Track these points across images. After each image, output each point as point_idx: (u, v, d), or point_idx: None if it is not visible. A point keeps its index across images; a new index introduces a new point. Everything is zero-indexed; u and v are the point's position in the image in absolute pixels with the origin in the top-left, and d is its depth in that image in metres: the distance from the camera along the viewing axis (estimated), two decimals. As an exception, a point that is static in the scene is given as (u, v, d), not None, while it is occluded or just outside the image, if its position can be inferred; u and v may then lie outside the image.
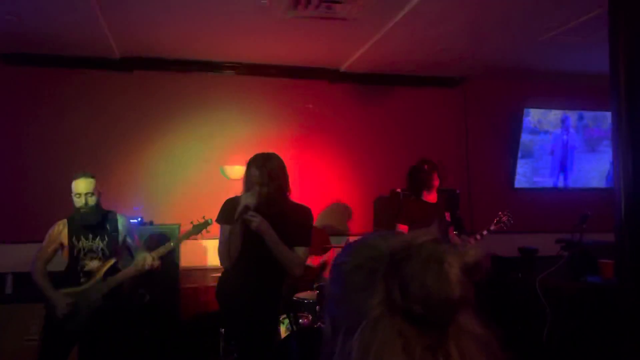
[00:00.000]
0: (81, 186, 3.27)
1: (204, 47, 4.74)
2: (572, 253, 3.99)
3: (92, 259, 3.32)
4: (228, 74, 5.25)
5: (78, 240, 3.31)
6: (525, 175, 5.76)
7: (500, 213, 4.20)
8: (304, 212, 2.85)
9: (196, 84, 5.18)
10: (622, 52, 1.60)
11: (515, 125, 5.68)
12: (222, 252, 2.74)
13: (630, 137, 1.60)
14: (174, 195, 5.02)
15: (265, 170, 2.68)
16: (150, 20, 4.03)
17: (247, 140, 5.11)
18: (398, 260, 0.79)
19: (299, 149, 5.27)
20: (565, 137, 5.80)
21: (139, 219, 4.63)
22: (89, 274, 3.30)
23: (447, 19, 3.90)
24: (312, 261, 4.49)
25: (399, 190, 5.11)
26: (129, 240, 3.47)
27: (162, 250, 3.43)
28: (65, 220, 3.37)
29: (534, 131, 5.69)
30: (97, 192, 3.33)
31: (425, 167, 4.13)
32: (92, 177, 3.32)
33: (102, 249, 3.34)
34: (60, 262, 3.41)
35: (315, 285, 3.94)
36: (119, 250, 3.43)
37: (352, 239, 3.39)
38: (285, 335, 3.51)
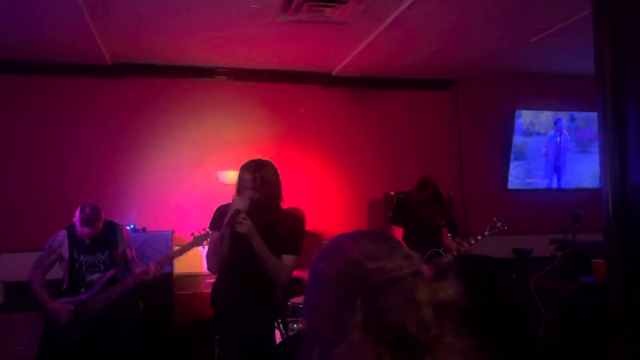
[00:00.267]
0: (87, 234, 3.25)
1: (196, 53, 4.73)
2: (565, 253, 4.00)
3: (93, 272, 3.30)
4: (220, 79, 5.24)
5: (80, 254, 3.29)
6: (518, 177, 5.78)
7: (494, 219, 4.18)
8: (296, 221, 2.83)
9: (188, 89, 5.17)
10: (607, 53, 1.61)
11: (507, 127, 5.70)
12: (210, 257, 2.73)
13: (616, 138, 1.60)
14: (167, 202, 5.00)
15: (258, 176, 2.66)
16: (141, 26, 4.02)
17: (241, 146, 5.11)
18: (379, 290, 0.81)
19: (291, 153, 5.27)
20: (558, 138, 5.83)
21: (133, 226, 4.60)
22: (90, 285, 3.29)
23: (437, 21, 3.92)
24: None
25: (392, 193, 5.12)
26: (127, 250, 3.46)
27: (162, 261, 3.43)
28: (65, 232, 3.35)
29: (527, 133, 5.71)
30: (101, 224, 3.30)
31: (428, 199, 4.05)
32: (99, 218, 3.27)
33: (103, 261, 3.32)
34: (56, 271, 3.39)
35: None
36: (119, 260, 3.41)
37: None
38: (281, 340, 3.49)
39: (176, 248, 3.78)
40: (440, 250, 4.00)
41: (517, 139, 5.68)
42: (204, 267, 4.81)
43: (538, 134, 5.76)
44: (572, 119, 5.84)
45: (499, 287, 4.67)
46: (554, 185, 5.92)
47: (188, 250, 3.51)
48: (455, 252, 3.99)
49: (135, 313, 4.18)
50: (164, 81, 5.11)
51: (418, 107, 5.71)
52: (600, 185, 1.75)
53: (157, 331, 4.35)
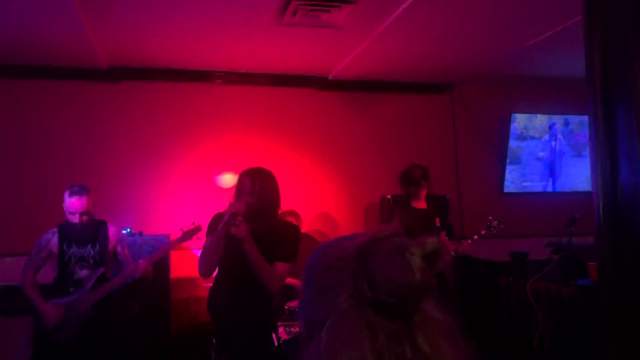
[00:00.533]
0: (76, 205, 3.21)
1: (192, 57, 4.73)
2: (562, 256, 4.01)
3: (82, 267, 3.27)
4: (217, 83, 5.25)
5: (69, 247, 3.26)
6: (513, 182, 5.79)
7: (490, 218, 4.21)
8: (291, 230, 2.85)
9: (185, 93, 5.17)
10: (597, 59, 1.63)
11: (503, 130, 5.72)
12: (202, 259, 2.74)
13: (607, 142, 1.62)
14: (163, 205, 5.00)
15: (258, 182, 2.67)
16: (138, 30, 4.02)
17: (237, 149, 5.11)
18: (364, 255, 0.84)
19: (288, 157, 5.28)
20: (553, 143, 5.85)
21: (129, 230, 4.60)
22: (78, 283, 3.26)
23: (434, 25, 3.93)
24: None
25: (389, 196, 5.13)
26: (118, 249, 3.43)
27: (153, 257, 3.40)
28: (55, 229, 3.33)
29: (521, 137, 5.72)
30: (92, 207, 3.28)
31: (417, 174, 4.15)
32: (88, 193, 3.25)
33: (93, 257, 3.29)
34: (48, 275, 3.37)
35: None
36: (109, 258, 3.39)
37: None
38: (279, 344, 3.49)
39: (167, 243, 3.77)
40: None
41: (512, 143, 5.70)
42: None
43: (532, 138, 5.78)
44: (566, 123, 5.86)
45: (496, 290, 4.67)
46: (549, 189, 5.93)
47: (178, 244, 3.50)
48: (453, 253, 3.99)
49: (131, 316, 4.17)
50: (160, 85, 5.11)
51: (414, 111, 5.72)
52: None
53: (153, 335, 4.34)
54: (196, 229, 3.41)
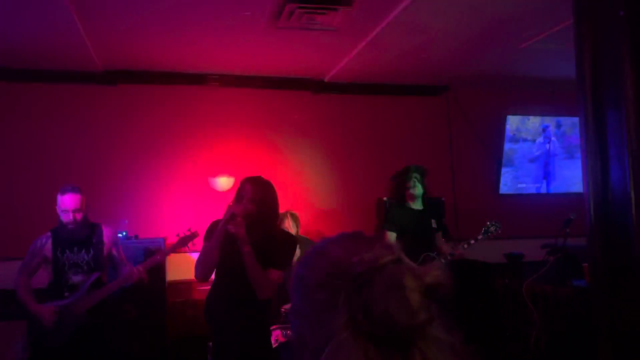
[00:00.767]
0: (69, 202, 3.20)
1: (188, 60, 4.73)
2: (557, 258, 4.02)
3: (76, 272, 3.26)
4: (212, 86, 5.25)
5: (63, 253, 3.25)
6: (506, 185, 5.81)
7: (488, 223, 4.18)
8: (288, 239, 2.91)
9: (181, 96, 5.17)
10: (587, 62, 1.64)
11: (498, 132, 5.74)
12: (199, 263, 2.75)
13: (597, 144, 1.63)
14: (159, 209, 4.99)
15: (260, 190, 2.70)
16: (133, 33, 4.02)
17: (233, 152, 5.11)
18: (361, 283, 0.79)
19: (284, 159, 5.28)
20: (548, 145, 5.87)
21: (124, 233, 4.58)
22: (73, 288, 3.25)
23: (429, 28, 3.95)
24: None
25: (384, 198, 5.14)
26: (114, 252, 3.42)
27: (148, 263, 3.39)
28: (49, 233, 3.32)
29: (513, 139, 5.74)
30: (84, 206, 3.28)
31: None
32: (80, 192, 3.26)
33: (87, 262, 3.28)
34: (42, 280, 3.36)
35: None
36: (104, 263, 3.38)
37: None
38: (275, 347, 3.48)
39: (164, 250, 3.76)
40: (434, 255, 4.00)
41: (505, 146, 5.71)
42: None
43: (525, 140, 5.80)
44: (559, 125, 5.88)
45: (492, 292, 4.69)
46: (543, 191, 5.95)
47: (173, 251, 3.49)
48: (449, 257, 4.00)
49: (128, 321, 4.17)
50: (156, 88, 5.11)
51: (410, 113, 5.73)
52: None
53: (150, 339, 4.33)
54: (192, 235, 3.41)
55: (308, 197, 5.33)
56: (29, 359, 3.27)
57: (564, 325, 3.80)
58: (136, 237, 4.67)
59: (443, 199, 5.33)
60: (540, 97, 5.85)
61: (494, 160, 5.78)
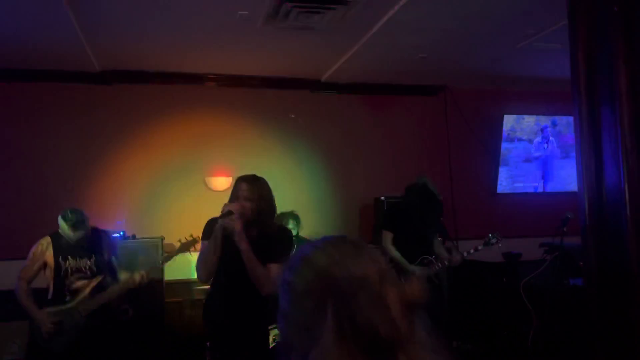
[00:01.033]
0: (77, 237, 3.21)
1: (185, 60, 4.73)
2: (554, 256, 4.03)
3: (79, 278, 3.26)
4: (209, 86, 5.24)
5: (65, 259, 3.25)
6: (501, 185, 5.81)
7: (489, 235, 4.15)
8: (285, 234, 2.90)
9: (178, 96, 5.16)
10: (582, 61, 1.65)
11: (495, 131, 5.74)
12: (199, 263, 2.74)
13: (592, 143, 1.63)
14: (156, 209, 4.98)
15: (255, 188, 2.70)
16: (130, 34, 4.01)
17: (230, 152, 5.10)
18: (347, 294, 0.84)
19: (282, 159, 5.28)
20: (546, 145, 5.88)
21: (122, 233, 4.58)
22: (76, 292, 3.25)
23: (426, 27, 3.95)
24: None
25: (382, 198, 5.14)
26: (113, 258, 3.44)
27: (150, 268, 3.40)
28: (49, 238, 3.30)
29: (508, 139, 5.74)
30: (88, 226, 3.28)
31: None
32: (86, 221, 3.26)
33: (89, 268, 3.29)
34: (44, 279, 3.36)
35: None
36: (105, 267, 3.38)
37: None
38: (272, 346, 3.48)
39: (164, 255, 3.76)
40: (432, 258, 3.97)
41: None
42: (194, 275, 4.84)
43: (520, 140, 5.80)
44: (554, 124, 5.88)
45: (489, 291, 4.69)
46: (540, 191, 5.95)
47: (175, 256, 3.49)
48: (446, 262, 3.97)
49: (126, 321, 4.16)
50: (153, 88, 5.10)
51: (407, 113, 5.73)
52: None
53: (147, 339, 4.32)
54: (194, 241, 3.40)
55: (305, 196, 5.32)
56: (29, 360, 3.27)
57: (561, 324, 3.80)
58: (134, 236, 4.67)
59: (441, 197, 5.32)
60: (538, 97, 5.86)
61: (492, 159, 5.79)
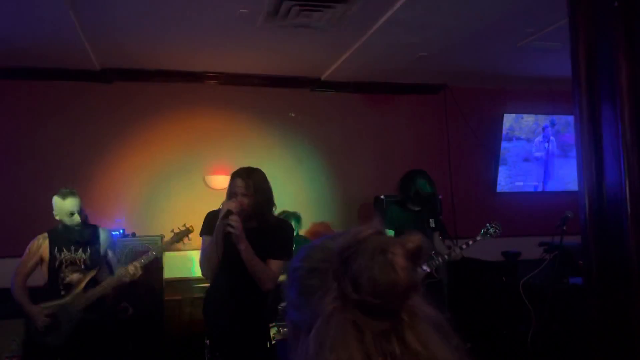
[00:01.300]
0: (70, 205, 3.21)
1: (185, 58, 4.73)
2: (553, 255, 4.03)
3: (73, 271, 3.26)
4: (209, 84, 5.24)
5: (60, 251, 3.26)
6: (500, 184, 5.81)
7: (487, 224, 4.13)
8: (285, 228, 2.87)
9: (178, 94, 5.16)
10: (582, 59, 1.64)
11: (495, 130, 5.74)
12: (203, 261, 2.73)
13: (592, 141, 1.63)
14: (156, 207, 4.98)
15: (251, 182, 2.68)
16: (130, 32, 4.01)
17: (230, 150, 5.10)
18: (346, 257, 0.83)
19: (281, 157, 5.28)
20: (546, 145, 5.88)
21: (121, 231, 4.58)
22: (70, 287, 3.25)
23: (426, 26, 3.94)
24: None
25: (382, 196, 5.14)
26: (109, 254, 3.43)
27: (144, 259, 3.38)
28: (45, 234, 3.32)
29: (507, 138, 5.74)
30: (83, 209, 3.28)
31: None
32: (77, 195, 3.28)
33: (84, 261, 3.29)
34: (39, 278, 3.36)
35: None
36: (100, 261, 3.38)
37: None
38: (272, 344, 3.48)
39: (158, 246, 3.75)
40: (432, 254, 3.99)
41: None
42: (194, 272, 4.85)
43: (519, 139, 5.80)
44: (552, 124, 5.88)
45: (488, 290, 4.69)
46: (540, 190, 5.95)
47: (169, 246, 3.48)
48: (446, 257, 3.98)
49: (125, 319, 4.16)
50: (153, 86, 5.10)
51: (407, 111, 5.74)
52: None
53: (147, 337, 4.32)
54: (187, 231, 3.41)
55: (305, 195, 5.33)
56: (24, 358, 3.26)
57: (561, 323, 3.80)
58: (133, 234, 4.67)
59: (440, 197, 5.33)
60: (538, 96, 5.86)
61: (491, 158, 5.79)
